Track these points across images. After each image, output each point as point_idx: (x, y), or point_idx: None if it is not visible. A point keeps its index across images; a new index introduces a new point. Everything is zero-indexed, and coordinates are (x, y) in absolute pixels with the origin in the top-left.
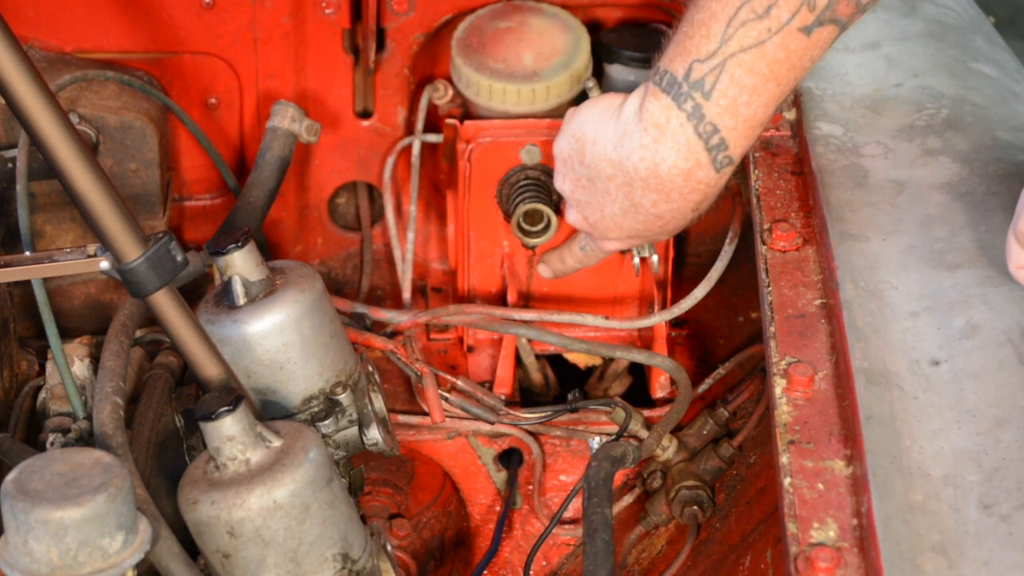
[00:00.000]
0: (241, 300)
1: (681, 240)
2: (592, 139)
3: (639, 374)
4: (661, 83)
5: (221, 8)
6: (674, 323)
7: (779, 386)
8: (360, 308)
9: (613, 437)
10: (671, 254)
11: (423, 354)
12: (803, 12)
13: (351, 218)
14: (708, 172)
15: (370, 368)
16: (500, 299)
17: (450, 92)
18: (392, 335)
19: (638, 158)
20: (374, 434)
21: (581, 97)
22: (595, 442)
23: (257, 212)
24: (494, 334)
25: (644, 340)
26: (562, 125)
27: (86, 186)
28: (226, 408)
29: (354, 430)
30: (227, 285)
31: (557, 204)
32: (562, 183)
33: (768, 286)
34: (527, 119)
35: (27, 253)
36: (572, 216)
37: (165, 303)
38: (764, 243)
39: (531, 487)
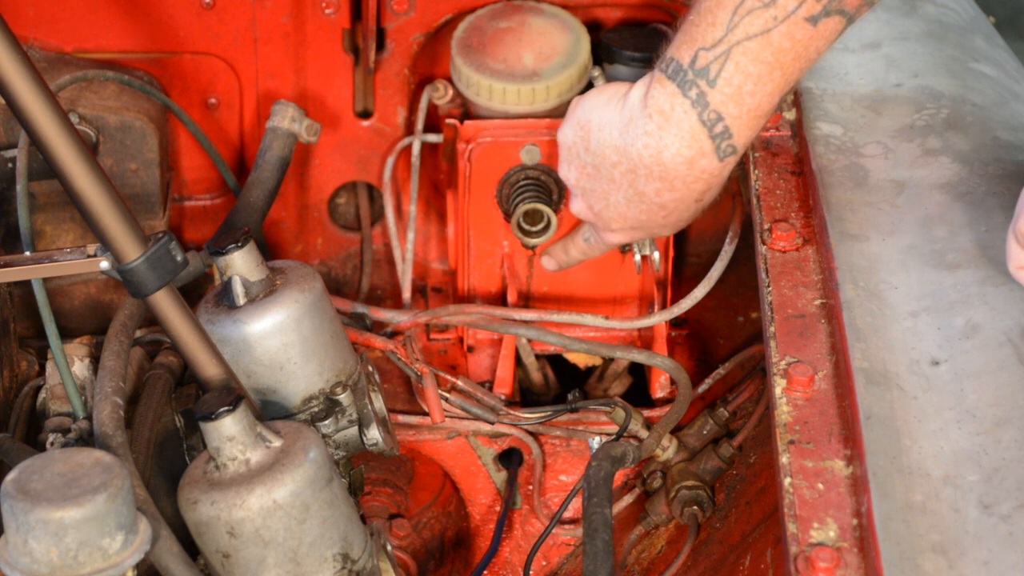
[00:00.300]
0: (241, 300)
1: (681, 240)
2: (598, 126)
3: (639, 374)
4: (667, 70)
5: (221, 8)
6: (674, 323)
7: (779, 386)
8: (360, 308)
9: (613, 437)
10: (671, 253)
11: (423, 354)
12: (810, 1)
13: (351, 218)
14: (711, 161)
15: (370, 368)
16: (500, 299)
17: (450, 92)
18: (392, 335)
19: (642, 144)
20: (374, 434)
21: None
22: (595, 442)
23: (257, 212)
24: (494, 334)
25: (644, 340)
26: (567, 113)
27: (86, 186)
28: (226, 408)
29: (354, 430)
30: (227, 285)
31: (557, 204)
32: (567, 171)
33: (768, 286)
34: (527, 119)
35: (27, 253)
36: (576, 206)
37: (165, 303)
38: (764, 243)
39: (531, 487)
